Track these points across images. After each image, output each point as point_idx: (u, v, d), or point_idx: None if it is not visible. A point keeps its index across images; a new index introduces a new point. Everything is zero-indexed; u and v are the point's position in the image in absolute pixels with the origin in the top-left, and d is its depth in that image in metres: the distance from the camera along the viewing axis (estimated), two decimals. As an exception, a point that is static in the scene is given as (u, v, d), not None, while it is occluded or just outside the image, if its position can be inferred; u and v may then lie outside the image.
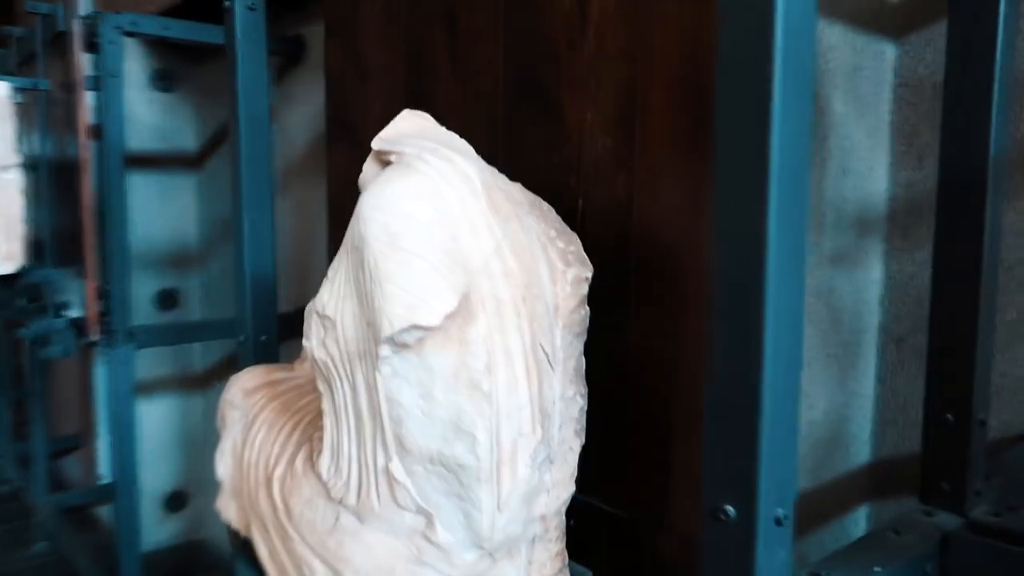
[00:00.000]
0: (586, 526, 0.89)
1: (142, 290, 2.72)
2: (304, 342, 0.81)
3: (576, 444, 0.80)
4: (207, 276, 3.00)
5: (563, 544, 0.83)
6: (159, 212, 2.92)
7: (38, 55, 2.03)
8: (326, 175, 1.30)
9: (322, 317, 0.78)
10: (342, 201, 1.28)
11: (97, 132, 1.91)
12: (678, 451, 0.84)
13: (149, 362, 3.04)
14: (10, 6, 4.70)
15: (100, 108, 1.92)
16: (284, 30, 2.34)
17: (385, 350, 0.72)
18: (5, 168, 1.84)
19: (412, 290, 0.68)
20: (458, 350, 0.71)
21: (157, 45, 2.77)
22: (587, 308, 0.79)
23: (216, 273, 2.95)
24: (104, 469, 3.64)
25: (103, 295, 1.94)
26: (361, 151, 1.33)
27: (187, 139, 3.01)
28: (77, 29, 1.86)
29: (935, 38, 1.17)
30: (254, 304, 1.29)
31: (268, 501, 0.91)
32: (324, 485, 0.83)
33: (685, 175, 0.79)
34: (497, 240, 0.73)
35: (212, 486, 3.01)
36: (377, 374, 0.74)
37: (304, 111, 2.35)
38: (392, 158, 0.78)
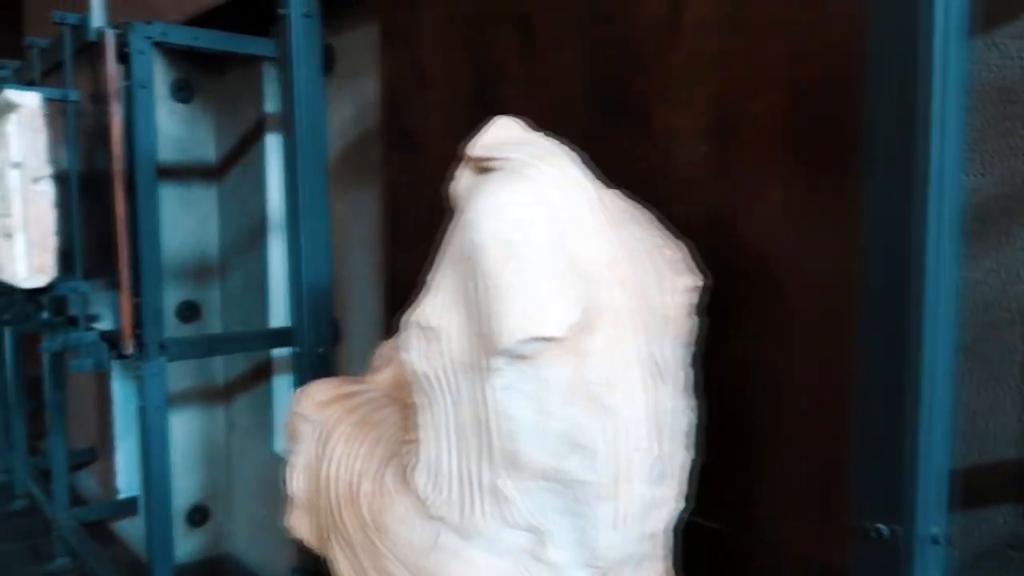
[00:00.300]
0: (683, 540, 0.86)
1: (164, 302, 2.70)
2: (402, 355, 0.79)
3: (686, 459, 0.78)
4: (227, 288, 2.98)
5: (669, 563, 0.80)
6: (179, 224, 2.89)
7: (66, 66, 2.00)
8: (381, 182, 1.28)
9: (424, 329, 0.76)
10: (398, 207, 1.26)
11: (128, 143, 1.88)
12: (780, 463, 0.82)
13: (171, 375, 3.01)
14: (17, 20, 4.68)
15: (130, 119, 1.90)
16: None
17: (499, 362, 0.70)
18: (37, 180, 1.82)
19: (533, 300, 0.66)
20: (576, 362, 0.69)
21: (176, 56, 2.75)
22: (696, 318, 0.77)
23: (236, 285, 2.92)
24: (122, 483, 3.61)
25: (135, 308, 1.91)
26: (418, 158, 1.32)
27: (206, 150, 2.99)
28: (110, 39, 1.84)
29: (1000, 43, 1.16)
30: (311, 315, 1.27)
31: (355, 518, 0.88)
32: (421, 502, 0.81)
33: (791, 182, 0.77)
34: (612, 248, 0.71)
35: (234, 500, 2.97)
36: (487, 387, 0.72)
37: (333, 121, 2.33)
38: (495, 164, 0.76)
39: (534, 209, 0.69)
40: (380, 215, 1.93)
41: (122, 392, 3.62)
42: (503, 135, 0.81)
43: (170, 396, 3.04)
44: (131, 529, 3.40)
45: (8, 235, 1.91)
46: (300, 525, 1.03)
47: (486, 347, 0.71)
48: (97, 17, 3.16)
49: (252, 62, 2.71)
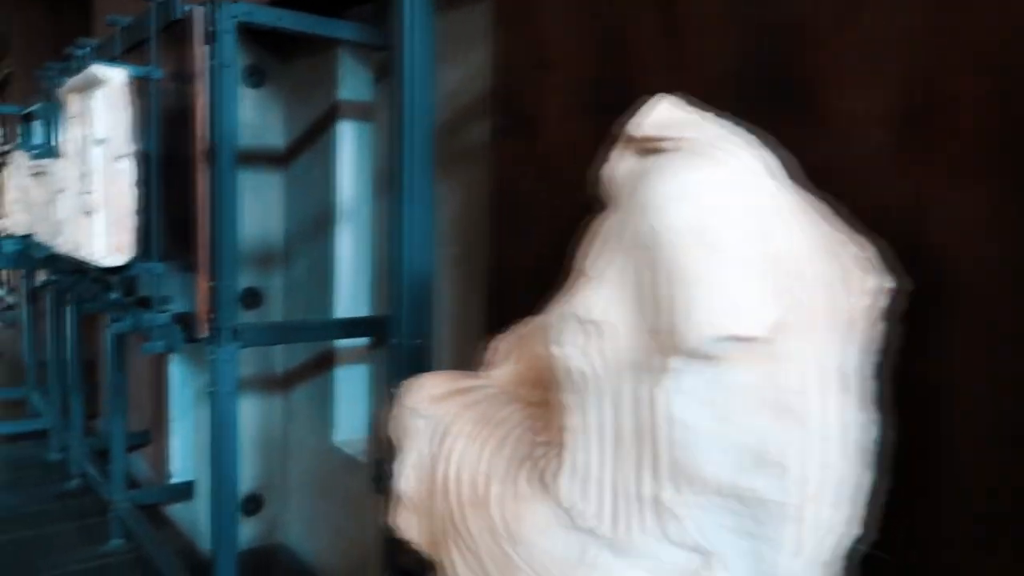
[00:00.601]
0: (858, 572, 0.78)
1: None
2: (553, 349, 0.72)
3: (866, 479, 0.70)
4: (290, 275, 2.95)
5: (841, 593, 0.72)
6: (244, 209, 2.87)
7: (151, 44, 1.98)
8: (489, 167, 1.21)
9: (585, 322, 0.69)
10: (507, 194, 1.19)
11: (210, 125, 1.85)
12: (968, 493, 0.74)
13: (230, 361, 3.00)
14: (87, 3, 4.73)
15: (212, 100, 1.87)
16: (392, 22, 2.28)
17: (677, 363, 0.63)
18: (119, 157, 1.79)
19: (729, 295, 0.59)
20: (767, 366, 0.62)
21: (248, 40, 2.73)
22: (884, 324, 0.70)
23: (300, 272, 2.89)
24: (175, 467, 3.62)
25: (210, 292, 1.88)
26: (534, 143, 1.25)
27: (274, 136, 2.97)
28: (198, 18, 1.80)
29: None
30: (411, 304, 1.21)
31: (481, 523, 0.82)
32: (564, 511, 0.74)
33: (995, 176, 0.69)
34: (809, 240, 0.64)
35: (289, 490, 2.93)
36: (658, 390, 0.65)
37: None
38: (669, 146, 0.69)
39: (730, 194, 0.61)
40: (475, 201, 1.86)
41: (179, 376, 3.62)
42: (669, 115, 0.74)
43: (229, 382, 3.02)
44: (184, 513, 3.40)
45: (88, 212, 1.89)
46: (408, 526, 0.97)
47: (663, 345, 0.64)
48: None
49: (326, 47, 2.67)
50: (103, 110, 1.80)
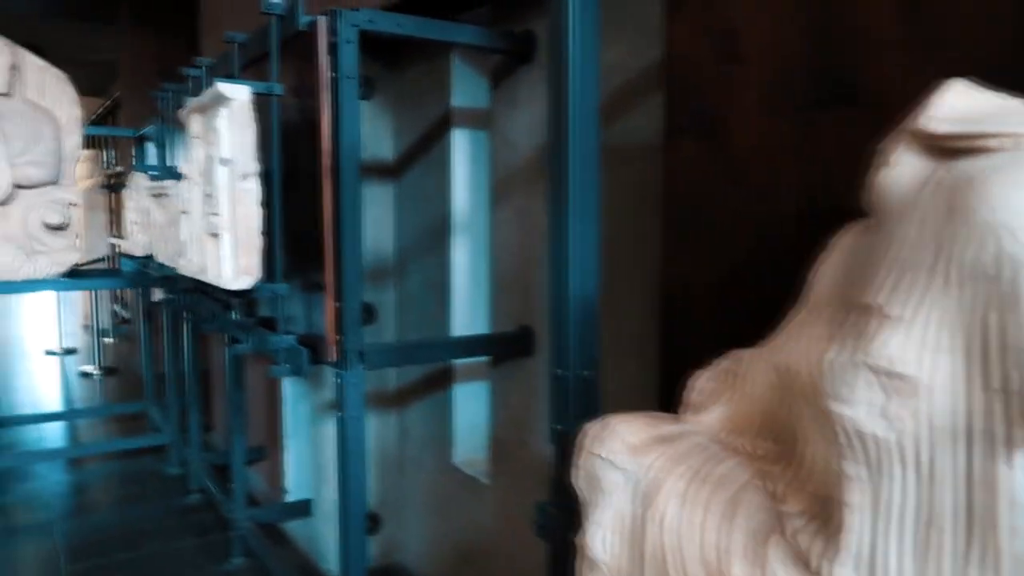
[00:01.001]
0: None
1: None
2: (833, 407, 0.57)
3: None
4: (403, 291, 2.88)
5: None
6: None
7: (272, 58, 1.92)
8: (664, 171, 1.07)
9: (888, 376, 0.54)
10: (685, 200, 1.04)
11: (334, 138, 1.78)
12: None
13: (344, 378, 2.95)
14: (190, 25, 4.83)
15: (335, 113, 1.79)
16: (511, 25, 2.17)
17: (1041, 435, 0.47)
18: (245, 176, 1.74)
19: None
20: None
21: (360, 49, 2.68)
22: None
23: (414, 288, 2.82)
24: (291, 483, 3.61)
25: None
26: (720, 144, 1.11)
27: (383, 147, 2.91)
28: (322, 28, 1.73)
29: None
30: (577, 331, 1.08)
31: (718, 610, 0.67)
32: (845, 607, 0.59)
33: None
34: None
35: (407, 510, 2.84)
36: (1002, 466, 0.49)
37: (529, 114, 2.16)
38: (989, 144, 0.53)
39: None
40: (626, 207, 1.72)
41: (292, 392, 3.62)
42: (969, 103, 0.58)
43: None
44: (301, 530, 3.38)
45: (215, 234, 1.85)
46: (606, 596, 0.83)
47: (1015, 409, 0.48)
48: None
49: (439, 54, 2.59)
50: (228, 129, 1.75)
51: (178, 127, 3.24)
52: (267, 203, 1.91)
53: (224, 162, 1.79)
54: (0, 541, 3.35)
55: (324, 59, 1.73)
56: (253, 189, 1.78)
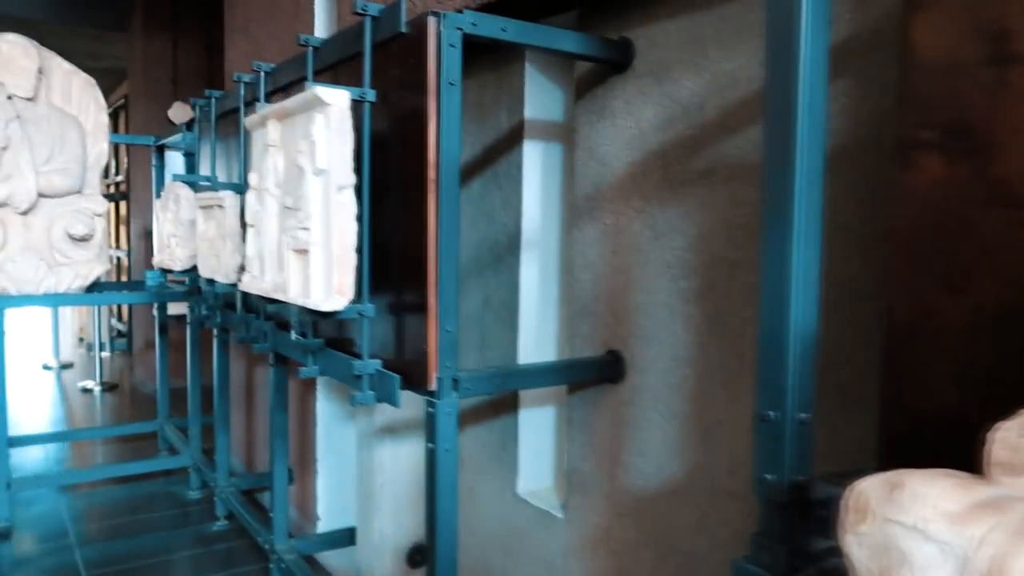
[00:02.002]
0: None
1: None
2: None
3: None
4: (463, 311, 2.74)
5: None
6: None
7: (365, 61, 1.79)
8: (898, 194, 0.95)
9: None
10: (928, 231, 0.92)
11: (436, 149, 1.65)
12: None
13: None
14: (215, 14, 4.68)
15: (438, 121, 1.66)
16: (605, 31, 2.05)
17: None
18: (341, 188, 1.60)
19: None
20: None
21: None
22: None
23: (474, 307, 2.68)
24: (322, 509, 3.44)
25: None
26: (984, 163, 0.99)
27: (441, 160, 2.77)
28: (432, 28, 1.60)
29: None
30: (797, 371, 0.95)
31: None
32: None
33: None
34: None
35: (460, 543, 2.69)
36: None
37: (623, 129, 2.04)
38: None
39: None
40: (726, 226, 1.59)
41: (326, 412, 3.46)
42: None
43: (394, 424, 2.83)
44: (339, 559, 3.21)
45: (303, 251, 1.71)
46: None
47: None
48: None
49: (512, 60, 2.47)
50: (325, 136, 1.62)
51: (221, 135, 3.09)
52: (356, 217, 1.77)
53: (318, 172, 1.65)
54: (14, 570, 3.15)
55: (433, 63, 1.60)
56: (349, 202, 1.65)
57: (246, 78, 2.67)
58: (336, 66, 2.09)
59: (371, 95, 1.77)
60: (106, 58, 7.65)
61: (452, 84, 1.68)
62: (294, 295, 1.77)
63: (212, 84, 6.64)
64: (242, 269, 2.44)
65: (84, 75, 3.68)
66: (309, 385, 3.42)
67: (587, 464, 2.20)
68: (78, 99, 3.65)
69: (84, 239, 3.59)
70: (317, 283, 1.68)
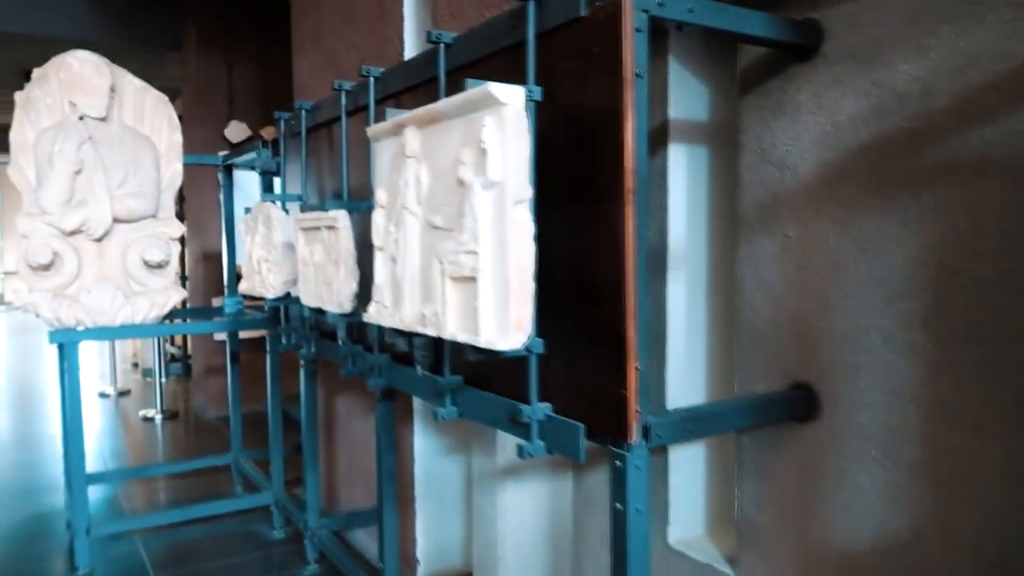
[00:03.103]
0: None
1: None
2: None
3: None
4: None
5: None
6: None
7: (529, 54, 1.52)
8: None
9: None
10: None
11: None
12: None
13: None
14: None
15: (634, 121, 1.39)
16: (786, 11, 1.77)
17: None
18: (517, 203, 1.33)
19: None
20: None
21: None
22: None
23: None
24: (423, 552, 3.17)
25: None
26: None
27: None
28: (628, 10, 1.33)
29: None
30: None
31: None
32: None
33: None
34: None
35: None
36: None
37: (810, 125, 1.75)
38: None
39: None
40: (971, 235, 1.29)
41: (424, 447, 3.20)
42: None
43: (512, 465, 2.55)
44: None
45: (467, 279, 1.44)
46: None
47: None
48: None
49: (654, 57, 2.19)
50: (498, 142, 1.35)
51: (293, 152, 2.85)
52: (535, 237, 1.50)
53: (489, 186, 1.38)
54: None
55: (629, 52, 1.33)
56: (526, 220, 1.38)
57: (347, 85, 2.43)
58: (469, 67, 1.83)
59: (537, 93, 1.50)
60: (158, 79, 7.52)
61: (640, 76, 1.41)
62: (454, 331, 1.50)
63: (268, 103, 6.47)
64: (359, 298, 2.18)
65: (156, 92, 3.48)
66: (404, 418, 3.16)
67: (764, 515, 1.90)
68: (151, 118, 3.45)
69: (160, 265, 3.38)
70: (487, 317, 1.41)
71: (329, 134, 2.77)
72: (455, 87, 1.81)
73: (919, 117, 1.54)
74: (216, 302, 5.69)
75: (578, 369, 1.52)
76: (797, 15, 1.74)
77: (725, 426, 1.70)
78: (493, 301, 1.40)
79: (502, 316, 1.39)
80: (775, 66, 1.82)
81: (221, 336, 5.83)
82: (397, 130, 1.73)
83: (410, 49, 3.02)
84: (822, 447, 1.76)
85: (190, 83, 6.38)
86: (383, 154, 1.83)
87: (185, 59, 6.43)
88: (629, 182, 1.34)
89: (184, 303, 3.56)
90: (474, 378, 1.87)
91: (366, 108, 2.38)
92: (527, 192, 1.38)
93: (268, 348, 3.72)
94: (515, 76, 1.55)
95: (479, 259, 1.41)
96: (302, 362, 3.23)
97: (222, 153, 4.49)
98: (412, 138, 1.65)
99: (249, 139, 6.25)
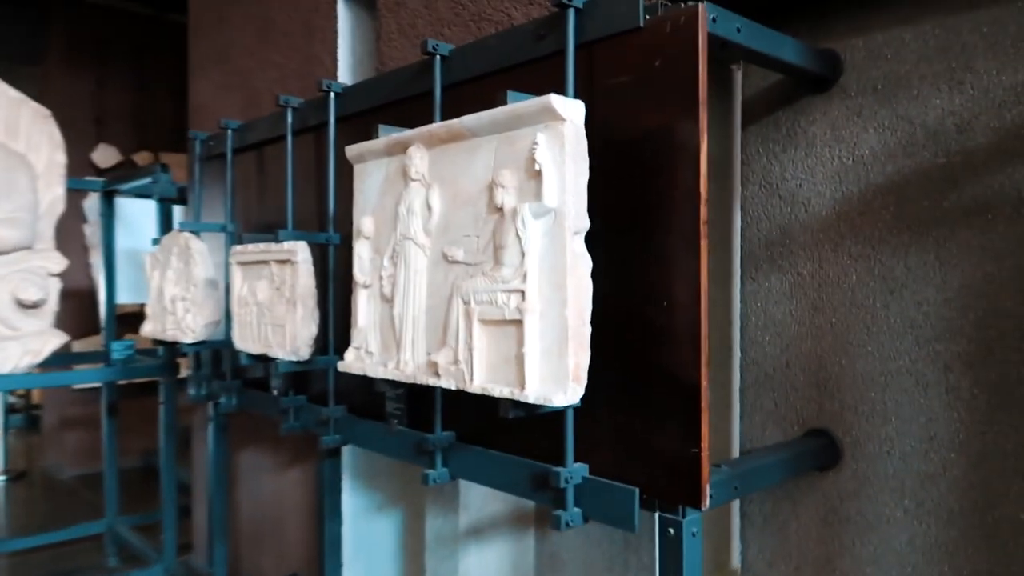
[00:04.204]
0: None
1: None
2: None
3: None
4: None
5: None
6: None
7: (568, 66, 1.35)
8: None
9: None
10: None
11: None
12: None
13: (480, 496, 2.29)
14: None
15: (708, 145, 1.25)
16: (805, 39, 1.69)
17: None
18: (576, 233, 1.15)
19: None
20: None
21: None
22: None
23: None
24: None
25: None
26: None
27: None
28: (704, 24, 1.18)
29: None
30: None
31: None
32: None
33: None
34: None
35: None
36: None
37: (826, 159, 1.68)
38: None
39: None
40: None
41: (353, 505, 2.87)
42: None
43: (480, 523, 2.31)
44: None
45: (510, 320, 1.23)
46: None
47: None
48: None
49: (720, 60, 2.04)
50: (556, 162, 1.16)
51: (215, 178, 2.52)
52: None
53: (542, 213, 1.18)
54: None
55: (703, 69, 1.18)
56: (585, 253, 1.19)
57: (294, 102, 2.15)
58: (470, 82, 1.63)
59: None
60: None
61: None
62: (483, 383, 1.28)
63: (144, 126, 5.92)
64: (316, 343, 1.90)
65: (35, 105, 3.02)
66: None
67: (777, 572, 1.78)
68: (27, 134, 2.99)
69: (36, 305, 2.90)
70: (534, 366, 1.20)
71: (260, 157, 2.46)
72: (453, 104, 1.61)
73: (955, 153, 1.49)
74: (79, 346, 5.05)
75: (628, 424, 1.33)
76: (818, 42, 1.67)
77: (769, 480, 1.56)
78: (542, 347, 1.20)
79: (555, 365, 1.19)
80: (783, 97, 1.75)
81: (83, 384, 5.17)
82: (393, 150, 1.50)
83: (345, 68, 2.77)
84: (844, 497, 1.66)
85: (50, 101, 5.73)
86: (369, 177, 1.58)
87: (46, 74, 5.78)
88: (703, 212, 1.19)
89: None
90: (469, 434, 1.64)
91: (316, 128, 2.11)
92: (585, 221, 1.20)
93: (162, 398, 3.27)
94: (533, 92, 1.36)
95: (527, 298, 1.20)
96: (211, 414, 2.83)
97: (91, 178, 4.00)
98: (418, 159, 1.43)
99: (120, 164, 5.67)
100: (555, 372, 1.19)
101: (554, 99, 1.16)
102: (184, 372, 3.21)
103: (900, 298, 1.57)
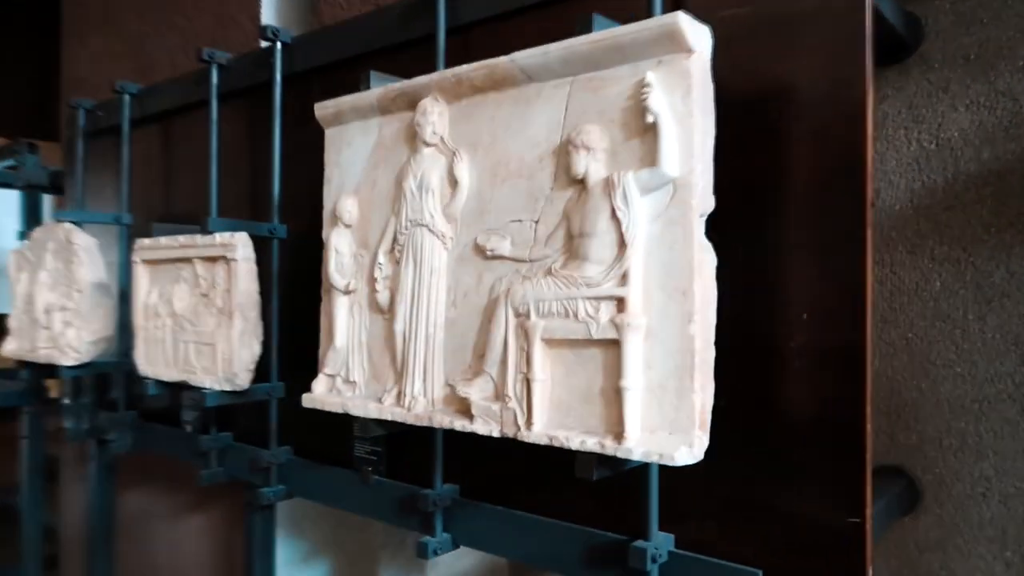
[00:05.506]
0: None
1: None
2: None
3: None
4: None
5: None
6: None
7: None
8: None
9: None
10: None
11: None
12: None
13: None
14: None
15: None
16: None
17: None
18: (702, 215, 0.80)
19: None
20: None
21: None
22: None
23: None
24: None
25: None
26: None
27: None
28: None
29: None
30: None
31: None
32: None
33: None
34: None
35: None
36: None
37: (901, 143, 1.41)
38: None
39: None
40: None
41: (283, 555, 2.39)
42: None
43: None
44: None
45: (603, 338, 0.85)
46: None
47: None
48: None
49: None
50: (676, 112, 0.80)
51: (101, 157, 2.00)
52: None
53: (654, 185, 0.82)
54: None
55: (870, 41, 0.86)
56: (711, 247, 0.84)
57: (221, 57, 1.68)
58: (493, 21, 1.25)
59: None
60: None
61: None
62: (547, 429, 0.90)
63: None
64: (257, 366, 1.44)
65: None
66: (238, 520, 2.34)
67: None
68: None
69: None
70: (636, 406, 0.83)
71: (166, 129, 1.96)
72: (457, 51, 1.22)
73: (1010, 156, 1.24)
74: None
75: (743, 481, 0.98)
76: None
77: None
78: (650, 379, 0.83)
79: (673, 405, 0.82)
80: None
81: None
82: (392, 106, 1.09)
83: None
84: (925, 548, 1.38)
85: None
86: (349, 145, 1.17)
87: None
88: (869, 215, 0.86)
89: None
90: (476, 487, 1.24)
91: (249, 92, 1.66)
92: (712, 200, 0.84)
93: (26, 431, 2.65)
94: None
95: (627, 309, 0.83)
96: (94, 452, 2.27)
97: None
98: (436, 115, 1.03)
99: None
100: (671, 415, 0.82)
101: (683, 19, 0.80)
102: (56, 392, 2.62)
103: (1000, 309, 1.31)
